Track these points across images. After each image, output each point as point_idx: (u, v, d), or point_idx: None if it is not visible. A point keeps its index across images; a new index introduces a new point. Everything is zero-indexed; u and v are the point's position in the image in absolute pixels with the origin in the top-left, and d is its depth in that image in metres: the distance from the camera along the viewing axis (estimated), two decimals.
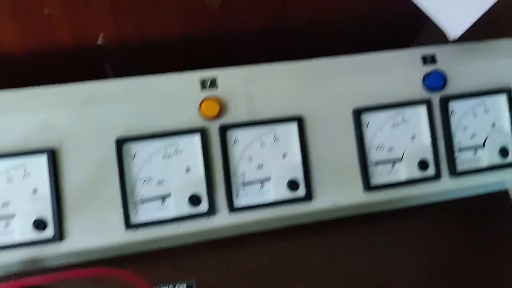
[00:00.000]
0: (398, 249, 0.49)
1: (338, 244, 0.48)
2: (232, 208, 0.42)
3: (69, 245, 0.40)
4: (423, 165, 0.45)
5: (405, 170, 0.45)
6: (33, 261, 0.40)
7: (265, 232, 0.46)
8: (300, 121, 0.43)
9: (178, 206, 0.41)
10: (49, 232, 0.39)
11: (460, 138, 0.46)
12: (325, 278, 0.47)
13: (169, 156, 0.42)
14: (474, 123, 0.47)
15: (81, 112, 0.41)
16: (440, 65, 0.47)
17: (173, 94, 0.42)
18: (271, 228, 0.46)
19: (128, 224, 0.40)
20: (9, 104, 0.40)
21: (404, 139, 0.45)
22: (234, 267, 0.46)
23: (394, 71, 0.46)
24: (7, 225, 0.39)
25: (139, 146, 0.41)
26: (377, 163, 0.45)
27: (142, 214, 0.41)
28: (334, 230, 0.48)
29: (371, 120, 0.45)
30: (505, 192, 0.52)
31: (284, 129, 0.43)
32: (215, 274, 0.46)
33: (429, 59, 0.47)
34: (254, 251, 0.47)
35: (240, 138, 0.43)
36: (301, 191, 0.43)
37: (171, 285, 0.44)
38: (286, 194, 0.43)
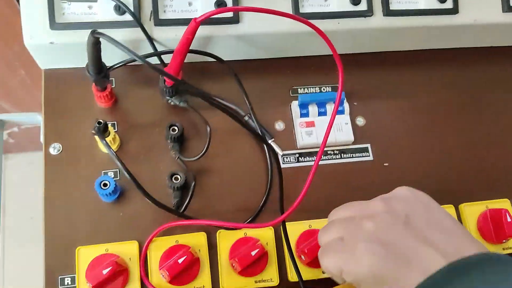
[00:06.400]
0: None
1: None
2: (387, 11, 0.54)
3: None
4: None
5: None
6: None
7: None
8: None
9: (339, 3, 0.53)
10: None
11: None
12: None
13: None
14: None
15: None
16: None
17: None
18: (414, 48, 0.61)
19: None
20: None
21: None
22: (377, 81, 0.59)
23: None
24: None
25: None
26: None
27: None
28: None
29: None
30: None
31: None
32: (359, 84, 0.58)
33: None
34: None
35: None
36: (449, 4, 0.55)
37: (317, 87, 0.57)
38: (435, 4, 0.55)
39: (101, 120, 0.47)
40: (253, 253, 0.47)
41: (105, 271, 0.45)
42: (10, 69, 0.93)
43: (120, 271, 0.47)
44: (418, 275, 0.33)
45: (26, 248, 1.26)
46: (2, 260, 1.29)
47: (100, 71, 0.47)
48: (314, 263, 0.49)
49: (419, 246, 0.35)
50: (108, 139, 0.49)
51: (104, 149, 0.51)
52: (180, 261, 0.46)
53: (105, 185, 0.48)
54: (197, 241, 0.49)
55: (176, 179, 0.49)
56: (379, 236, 0.37)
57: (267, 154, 0.53)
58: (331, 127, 0.47)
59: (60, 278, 0.47)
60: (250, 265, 0.48)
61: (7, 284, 1.30)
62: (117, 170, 0.52)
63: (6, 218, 1.36)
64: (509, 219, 0.51)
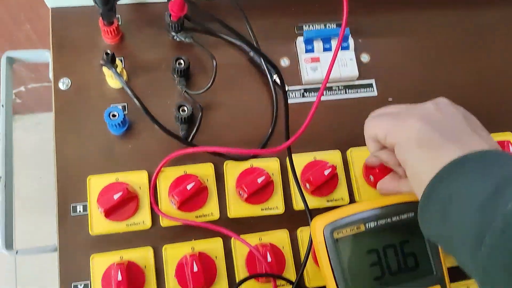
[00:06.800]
0: None
1: None
2: None
3: None
4: None
5: None
6: None
7: None
8: None
9: None
10: None
11: None
12: None
13: None
14: None
15: None
16: None
17: None
18: None
19: None
20: None
21: None
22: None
23: None
24: None
25: None
26: None
27: None
28: None
29: None
30: None
31: None
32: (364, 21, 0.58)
33: None
34: None
35: None
36: None
37: (322, 24, 0.57)
38: None
39: (108, 51, 0.48)
40: (259, 180, 0.48)
41: (116, 196, 0.46)
42: (16, 23, 0.93)
43: (131, 197, 0.48)
44: (461, 151, 0.36)
45: (35, 207, 1.29)
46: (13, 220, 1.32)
47: (107, 2, 0.48)
48: (318, 191, 0.50)
49: (472, 133, 0.38)
50: None
51: (112, 83, 0.52)
52: (189, 187, 0.47)
53: (114, 115, 0.49)
54: (204, 171, 0.51)
55: (183, 110, 0.50)
56: (438, 115, 0.40)
57: (272, 88, 0.54)
58: (334, 59, 0.47)
59: (73, 206, 0.49)
60: (257, 192, 0.49)
61: (18, 244, 1.34)
62: (125, 104, 0.53)
63: (14, 179, 1.39)
64: (511, 150, 0.52)
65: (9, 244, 0.48)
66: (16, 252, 0.48)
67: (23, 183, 1.36)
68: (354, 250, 0.42)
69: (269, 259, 0.47)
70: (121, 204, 0.47)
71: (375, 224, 0.42)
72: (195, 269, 0.46)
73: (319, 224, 0.42)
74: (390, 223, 0.42)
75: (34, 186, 1.32)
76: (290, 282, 0.47)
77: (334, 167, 0.50)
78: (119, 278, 0.45)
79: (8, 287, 1.27)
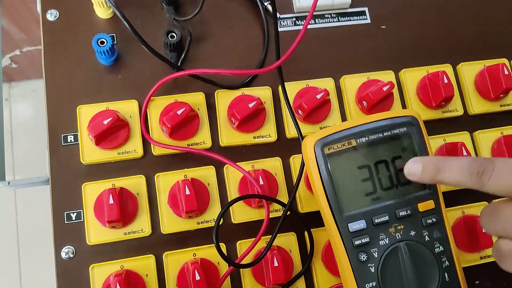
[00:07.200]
0: None
1: None
2: None
3: None
4: None
5: None
6: None
7: None
8: None
9: None
10: None
11: None
12: None
13: None
14: None
15: None
16: None
17: None
18: None
19: None
20: None
21: None
22: None
23: None
24: None
25: None
26: None
27: None
28: None
29: None
30: None
31: None
32: None
33: None
34: None
35: None
36: None
37: None
38: None
39: None
40: (250, 105, 0.48)
41: (106, 121, 0.46)
42: None
43: (121, 125, 0.48)
44: None
45: (33, 174, 1.30)
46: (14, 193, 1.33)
47: None
48: (311, 117, 0.50)
49: None
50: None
51: (100, 12, 0.51)
52: (179, 112, 0.47)
53: (102, 42, 0.48)
54: (195, 100, 0.50)
55: (172, 36, 0.50)
56: None
57: (263, 16, 0.53)
58: None
59: (63, 136, 0.49)
60: (248, 119, 0.48)
61: (20, 214, 1.34)
62: (114, 34, 0.52)
63: (13, 147, 1.39)
64: (506, 72, 0.51)
65: (1, 175, 0.48)
66: (8, 183, 0.48)
67: (21, 151, 1.36)
68: (345, 166, 0.41)
69: (261, 182, 0.46)
70: (111, 130, 0.47)
71: (367, 139, 0.42)
72: (187, 192, 0.45)
73: (310, 140, 0.41)
74: (381, 138, 0.42)
75: (32, 153, 1.32)
76: (283, 204, 0.47)
77: (326, 91, 0.49)
78: (111, 201, 0.45)
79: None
